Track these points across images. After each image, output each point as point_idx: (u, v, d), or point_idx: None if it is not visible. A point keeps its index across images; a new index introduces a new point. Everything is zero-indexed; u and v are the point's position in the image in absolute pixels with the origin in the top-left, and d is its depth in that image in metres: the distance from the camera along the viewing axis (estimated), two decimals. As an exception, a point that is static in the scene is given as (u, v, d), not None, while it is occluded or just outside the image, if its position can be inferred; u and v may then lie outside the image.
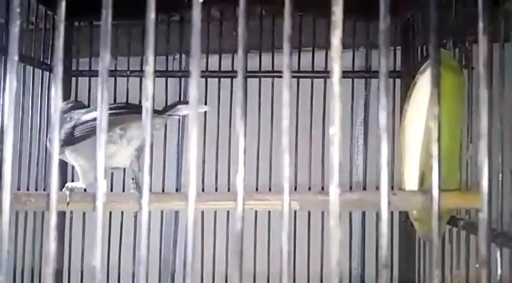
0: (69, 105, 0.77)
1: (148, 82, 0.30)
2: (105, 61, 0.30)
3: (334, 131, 0.28)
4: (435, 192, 0.27)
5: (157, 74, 1.05)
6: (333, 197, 0.28)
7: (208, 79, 1.06)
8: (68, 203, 0.61)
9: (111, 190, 1.00)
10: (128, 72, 1.05)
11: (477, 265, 0.60)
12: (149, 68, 0.29)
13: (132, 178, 0.73)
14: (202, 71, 1.06)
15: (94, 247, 0.30)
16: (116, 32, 1.06)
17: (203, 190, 1.00)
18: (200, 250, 1.01)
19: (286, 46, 0.28)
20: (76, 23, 1.09)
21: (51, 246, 0.30)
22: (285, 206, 0.29)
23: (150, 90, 0.29)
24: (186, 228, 0.30)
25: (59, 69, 0.30)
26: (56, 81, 0.30)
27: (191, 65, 0.31)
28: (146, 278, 0.31)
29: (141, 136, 0.65)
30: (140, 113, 0.30)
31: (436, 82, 0.27)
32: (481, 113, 0.27)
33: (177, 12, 1.06)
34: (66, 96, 1.06)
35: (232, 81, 1.02)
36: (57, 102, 0.30)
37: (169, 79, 1.06)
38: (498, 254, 0.58)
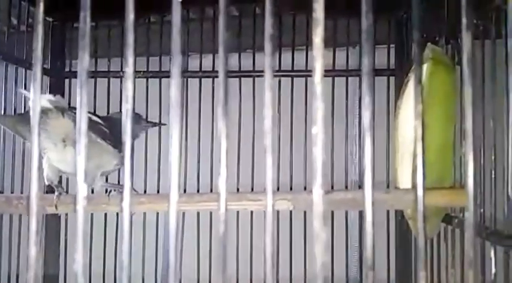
0: None
1: (129, 83, 0.29)
2: (84, 62, 0.29)
3: (317, 130, 0.27)
4: (420, 191, 0.27)
5: (151, 74, 1.04)
6: (316, 198, 0.28)
7: (202, 79, 1.05)
8: (55, 206, 0.61)
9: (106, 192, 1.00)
10: (121, 73, 1.04)
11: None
12: (129, 70, 0.29)
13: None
14: (196, 72, 1.05)
15: (75, 251, 0.30)
16: (109, 34, 1.06)
17: (198, 191, 0.99)
18: (196, 252, 1.01)
19: (267, 46, 0.28)
20: (70, 25, 1.09)
21: (32, 250, 0.29)
22: (268, 208, 0.28)
23: (130, 92, 0.29)
24: (169, 231, 0.29)
25: (37, 68, 0.29)
26: (34, 81, 0.29)
27: (172, 65, 0.30)
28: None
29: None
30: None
31: (419, 80, 0.26)
32: (465, 111, 0.27)
33: (170, 11, 1.05)
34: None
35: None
36: (36, 102, 0.29)
37: (162, 80, 1.06)
38: (492, 253, 0.57)
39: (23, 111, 0.89)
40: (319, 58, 0.27)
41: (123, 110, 0.29)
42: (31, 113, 0.30)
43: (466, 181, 0.26)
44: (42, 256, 1.03)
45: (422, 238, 0.26)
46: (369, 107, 0.28)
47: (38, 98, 0.29)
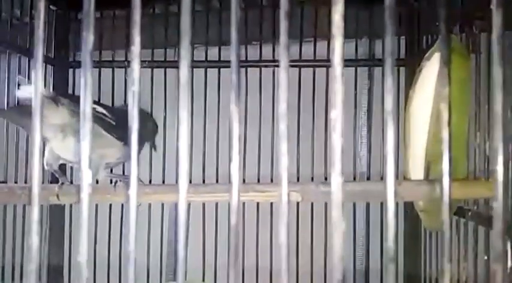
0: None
1: (135, 64, 0.27)
2: (88, 43, 0.28)
3: (336, 114, 0.26)
4: (446, 180, 0.25)
5: (155, 64, 1.03)
6: (335, 186, 0.26)
7: (208, 70, 1.03)
8: (57, 196, 0.60)
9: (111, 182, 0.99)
10: (126, 63, 1.03)
11: (486, 258, 0.58)
12: (135, 49, 0.27)
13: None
14: (201, 61, 1.04)
15: (80, 242, 0.28)
16: (113, 25, 1.04)
17: (203, 182, 0.98)
18: (202, 243, 1.00)
19: (283, 23, 0.26)
20: (74, 15, 1.07)
21: (34, 241, 0.28)
22: (283, 197, 0.27)
23: (136, 73, 0.27)
24: (176, 221, 0.28)
25: (38, 54, 0.27)
26: (36, 67, 0.28)
27: (181, 47, 0.29)
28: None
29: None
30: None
31: (446, 61, 0.25)
32: (494, 94, 0.25)
33: (176, 1, 1.03)
34: (64, 87, 1.05)
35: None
36: (37, 88, 0.28)
37: (168, 70, 1.04)
38: (509, 246, 0.55)
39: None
40: (338, 36, 0.25)
41: (129, 93, 0.27)
42: (32, 96, 0.28)
43: (495, 169, 0.24)
44: (46, 247, 1.02)
45: (448, 230, 0.25)
46: (391, 90, 0.26)
47: (40, 80, 0.28)
